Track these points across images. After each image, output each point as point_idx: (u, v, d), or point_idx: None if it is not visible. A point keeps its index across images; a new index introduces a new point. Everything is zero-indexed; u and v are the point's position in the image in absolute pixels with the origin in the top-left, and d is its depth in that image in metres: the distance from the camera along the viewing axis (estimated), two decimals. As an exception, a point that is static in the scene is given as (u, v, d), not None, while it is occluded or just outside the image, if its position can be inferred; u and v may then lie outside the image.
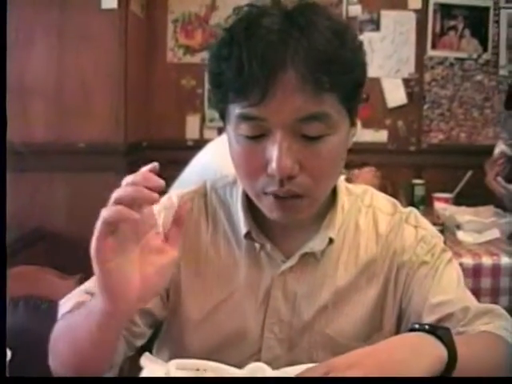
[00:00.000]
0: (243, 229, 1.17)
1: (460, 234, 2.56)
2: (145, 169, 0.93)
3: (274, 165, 1.02)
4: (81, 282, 1.62)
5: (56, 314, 1.20)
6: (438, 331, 0.96)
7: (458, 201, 3.08)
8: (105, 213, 0.89)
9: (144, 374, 0.98)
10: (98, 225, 0.90)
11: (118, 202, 0.90)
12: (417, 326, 0.98)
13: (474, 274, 2.26)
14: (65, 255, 2.80)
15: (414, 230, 1.21)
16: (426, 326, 0.97)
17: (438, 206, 2.83)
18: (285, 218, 1.11)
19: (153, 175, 0.92)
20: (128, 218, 0.89)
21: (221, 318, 1.19)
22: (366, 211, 1.22)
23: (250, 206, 1.18)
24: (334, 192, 1.19)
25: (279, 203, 1.08)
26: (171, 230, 0.96)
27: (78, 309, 1.10)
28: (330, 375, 0.86)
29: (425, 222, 1.24)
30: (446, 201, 3.00)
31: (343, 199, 1.21)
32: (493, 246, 2.50)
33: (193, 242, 1.21)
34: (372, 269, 1.18)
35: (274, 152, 1.02)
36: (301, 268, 1.17)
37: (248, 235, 1.17)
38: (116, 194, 0.91)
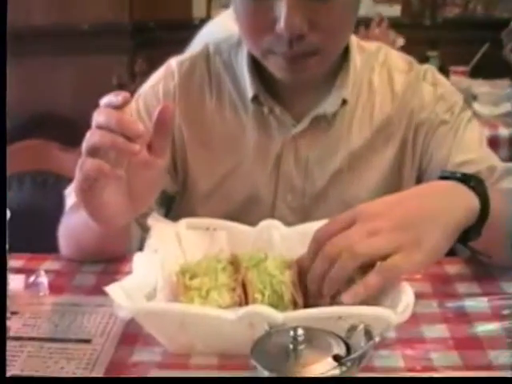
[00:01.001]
0: (250, 92, 1.13)
1: (476, 106, 2.52)
2: (116, 100, 0.83)
3: (282, 23, 0.97)
4: None
5: (63, 189, 1.22)
6: (472, 181, 0.92)
7: (474, 74, 3.01)
8: (84, 166, 0.83)
9: (152, 234, 0.94)
10: (79, 177, 0.84)
11: (93, 151, 0.83)
12: (448, 174, 0.95)
13: (490, 145, 2.19)
14: (70, 137, 2.78)
15: (432, 88, 1.16)
16: (458, 174, 0.94)
17: (454, 78, 2.76)
18: (294, 79, 1.08)
19: (130, 121, 0.83)
20: (109, 176, 0.83)
21: (230, 188, 1.17)
22: (379, 69, 1.18)
23: (256, 68, 1.13)
24: (346, 50, 1.14)
25: (288, 63, 1.04)
26: (154, 139, 0.86)
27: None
28: (356, 225, 0.83)
29: (443, 80, 1.20)
30: (462, 73, 2.93)
31: (356, 57, 1.15)
32: (509, 117, 2.46)
33: (196, 110, 1.17)
34: (388, 129, 1.15)
35: (282, 9, 0.97)
36: (312, 131, 1.13)
37: (255, 99, 1.13)
38: (91, 140, 0.83)
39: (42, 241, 1.15)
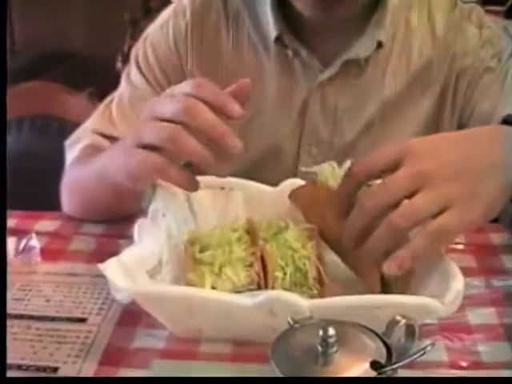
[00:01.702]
0: (273, 32, 1.00)
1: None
2: (232, 110, 0.73)
3: None
4: (91, 96, 1.50)
5: (67, 135, 1.11)
6: None
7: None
8: (146, 161, 0.74)
9: (158, 195, 0.82)
10: (132, 165, 0.76)
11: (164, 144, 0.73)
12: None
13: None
14: (79, 78, 2.67)
15: (478, 30, 1.03)
16: None
17: (489, 18, 2.59)
18: (324, 17, 0.95)
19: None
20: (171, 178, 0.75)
21: (249, 139, 1.03)
22: (419, 7, 1.04)
23: (280, 5, 1.00)
24: None
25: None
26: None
27: (88, 156, 1.00)
28: (404, 165, 0.68)
29: (490, 22, 1.05)
30: (497, 14, 2.75)
31: None
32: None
33: (211, 52, 1.05)
34: (426, 76, 1.02)
35: None
36: (342, 78, 1.01)
37: (278, 40, 1.00)
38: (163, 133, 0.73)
39: (41, 195, 1.05)
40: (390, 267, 0.66)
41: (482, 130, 0.80)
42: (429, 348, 0.54)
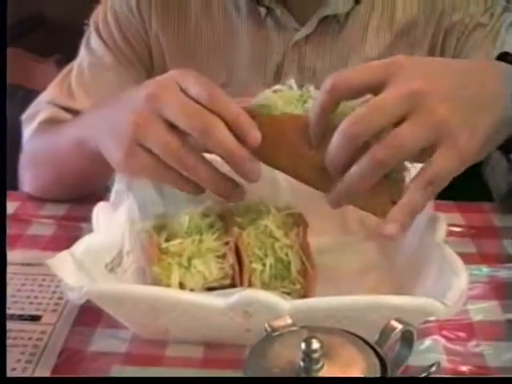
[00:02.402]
0: None
1: None
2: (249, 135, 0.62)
3: None
4: (59, 64, 1.40)
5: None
6: None
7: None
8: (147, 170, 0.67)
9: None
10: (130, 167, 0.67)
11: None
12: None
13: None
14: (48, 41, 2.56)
15: None
16: None
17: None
18: None
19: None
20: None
21: None
22: None
23: None
24: None
25: None
26: None
27: (47, 130, 0.93)
28: (392, 83, 0.58)
29: None
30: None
31: None
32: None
33: (177, 13, 0.97)
34: (412, 34, 0.96)
35: None
36: (320, 36, 0.95)
37: None
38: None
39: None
40: (390, 231, 0.58)
41: (479, 62, 0.72)
42: (433, 369, 0.46)
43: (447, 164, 0.58)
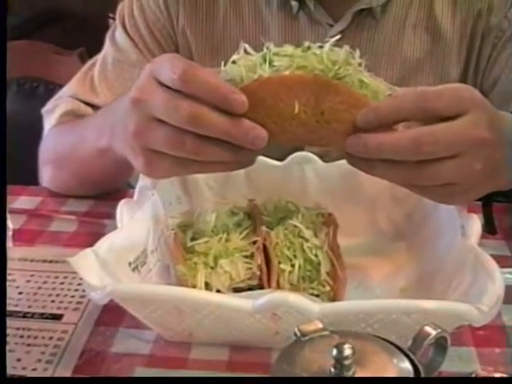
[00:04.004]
0: None
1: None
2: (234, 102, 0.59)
3: None
4: (82, 57, 1.40)
5: None
6: None
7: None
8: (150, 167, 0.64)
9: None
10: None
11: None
12: None
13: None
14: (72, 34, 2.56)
15: None
16: None
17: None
18: None
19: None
20: None
21: None
22: None
23: None
24: None
25: None
26: None
27: (68, 124, 0.93)
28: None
29: None
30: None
31: None
32: None
33: (206, 9, 0.96)
34: (450, 36, 0.93)
35: None
36: (355, 32, 0.93)
37: None
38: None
39: (25, 167, 0.95)
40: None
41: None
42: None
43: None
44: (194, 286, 0.62)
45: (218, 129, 0.58)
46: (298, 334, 0.49)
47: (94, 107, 0.92)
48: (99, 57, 0.99)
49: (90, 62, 1.00)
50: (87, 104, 0.94)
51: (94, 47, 1.05)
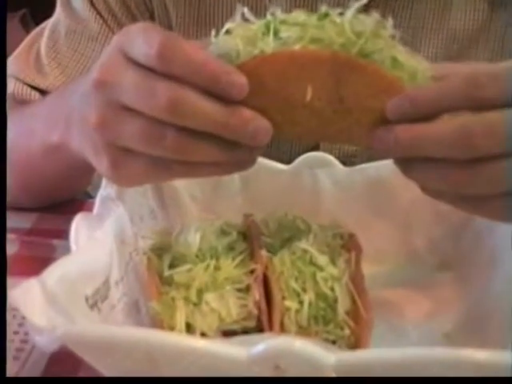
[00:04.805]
0: None
1: None
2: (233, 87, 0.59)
3: None
4: (24, 22, 1.43)
5: None
6: None
7: None
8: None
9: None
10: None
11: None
12: None
13: None
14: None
15: None
16: None
17: None
18: None
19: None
20: None
21: None
22: None
23: None
24: None
25: None
26: None
27: (8, 111, 0.95)
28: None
29: None
30: None
31: None
32: None
33: None
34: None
35: None
36: (389, 4, 0.97)
37: None
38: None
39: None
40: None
41: None
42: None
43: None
44: (172, 329, 0.64)
45: (208, 119, 0.59)
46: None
47: (43, 92, 0.94)
48: (48, 25, 1.01)
49: (34, 31, 1.03)
50: (33, 88, 0.95)
51: (41, 8, 1.07)
